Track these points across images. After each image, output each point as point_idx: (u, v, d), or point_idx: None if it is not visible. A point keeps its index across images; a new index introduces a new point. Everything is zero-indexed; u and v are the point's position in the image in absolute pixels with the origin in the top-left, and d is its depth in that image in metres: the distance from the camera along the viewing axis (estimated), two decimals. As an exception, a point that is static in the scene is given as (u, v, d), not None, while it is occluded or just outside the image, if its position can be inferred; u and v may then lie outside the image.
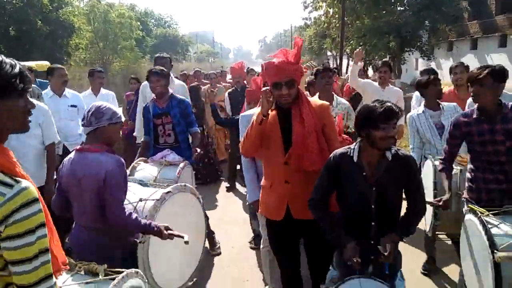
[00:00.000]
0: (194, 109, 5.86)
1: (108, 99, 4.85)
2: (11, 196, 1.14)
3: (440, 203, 2.50)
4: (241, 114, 2.86)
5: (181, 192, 2.37)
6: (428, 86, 3.37)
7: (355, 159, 2.04)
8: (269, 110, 2.21)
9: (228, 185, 5.85)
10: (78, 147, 2.15)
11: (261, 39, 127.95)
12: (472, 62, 17.80)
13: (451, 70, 4.01)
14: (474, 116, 2.43)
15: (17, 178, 1.19)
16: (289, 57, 2.18)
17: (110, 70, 25.08)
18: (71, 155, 2.15)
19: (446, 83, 4.90)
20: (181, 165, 3.17)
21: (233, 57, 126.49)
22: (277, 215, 2.33)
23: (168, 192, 2.23)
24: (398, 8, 18.32)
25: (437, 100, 3.46)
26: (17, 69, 1.22)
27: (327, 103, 2.38)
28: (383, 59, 7.42)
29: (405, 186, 2.08)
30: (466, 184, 2.58)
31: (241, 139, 2.72)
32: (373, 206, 2.03)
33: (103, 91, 5.20)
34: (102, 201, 2.01)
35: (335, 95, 3.74)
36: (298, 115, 2.21)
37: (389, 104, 1.96)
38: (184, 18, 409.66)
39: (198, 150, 3.65)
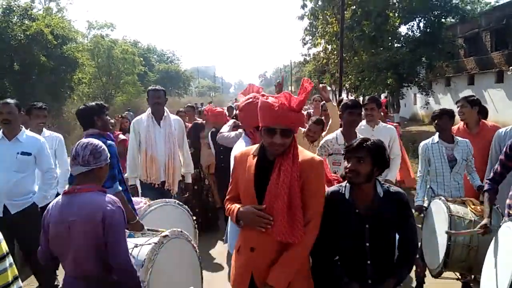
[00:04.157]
0: (192, 149, 5.38)
1: (52, 144, 3.74)
2: None
3: (481, 230, 2.46)
4: (233, 151, 2.64)
5: (177, 238, 2.23)
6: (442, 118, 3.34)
7: (347, 196, 2.00)
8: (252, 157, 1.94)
9: None
10: (66, 189, 2.00)
11: (262, 74, 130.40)
12: (470, 97, 17.93)
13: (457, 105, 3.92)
14: None
15: None
16: (292, 103, 1.85)
17: (112, 104, 25.44)
18: (58, 199, 1.98)
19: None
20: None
21: (234, 91, 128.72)
22: (240, 284, 1.94)
23: (166, 236, 2.12)
24: (395, 45, 18.76)
25: (452, 134, 3.41)
26: None
27: (319, 158, 1.95)
28: (371, 95, 6.91)
29: (397, 219, 2.02)
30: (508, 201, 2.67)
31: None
32: (367, 244, 1.96)
33: (46, 132, 3.89)
34: (98, 245, 1.85)
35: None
36: (278, 168, 1.85)
37: (359, 140, 1.99)
38: (186, 54, 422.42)
39: None
